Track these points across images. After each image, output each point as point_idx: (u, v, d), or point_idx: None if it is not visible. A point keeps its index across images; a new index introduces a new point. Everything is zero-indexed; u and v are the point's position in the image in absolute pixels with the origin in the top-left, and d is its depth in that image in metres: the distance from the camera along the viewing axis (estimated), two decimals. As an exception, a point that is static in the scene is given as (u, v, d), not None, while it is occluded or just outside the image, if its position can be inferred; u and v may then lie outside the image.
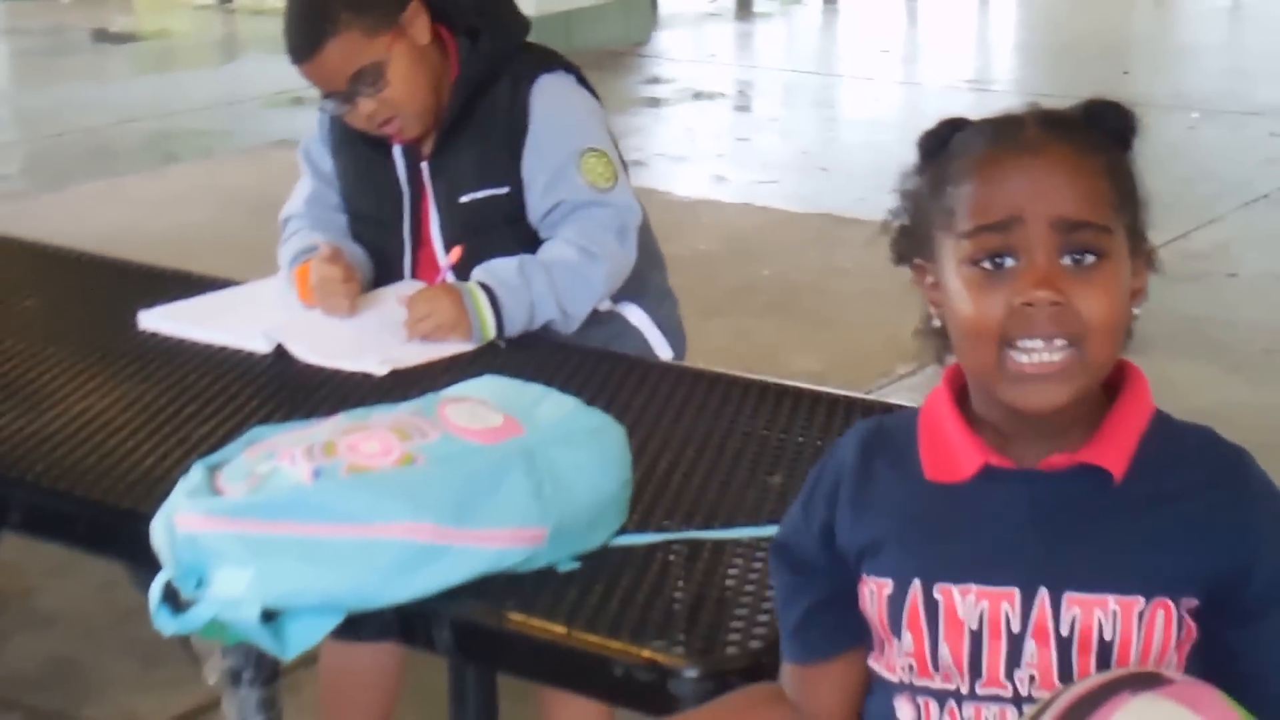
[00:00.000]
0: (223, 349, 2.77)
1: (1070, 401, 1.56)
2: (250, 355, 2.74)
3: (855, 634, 1.70)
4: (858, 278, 5.55)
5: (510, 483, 2.06)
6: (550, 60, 2.89)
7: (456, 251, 2.77)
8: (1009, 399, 1.57)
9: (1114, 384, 1.63)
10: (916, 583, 1.62)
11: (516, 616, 1.99)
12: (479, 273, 2.74)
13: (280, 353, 2.73)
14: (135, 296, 2.96)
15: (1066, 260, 1.54)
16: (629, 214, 2.84)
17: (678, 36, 10.86)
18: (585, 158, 2.80)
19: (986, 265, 1.56)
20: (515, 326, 2.73)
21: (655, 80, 9.48)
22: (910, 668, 1.63)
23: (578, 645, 1.94)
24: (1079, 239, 1.54)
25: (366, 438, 2.09)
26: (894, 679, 1.65)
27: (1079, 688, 1.49)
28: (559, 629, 1.96)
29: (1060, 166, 1.56)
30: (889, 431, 1.71)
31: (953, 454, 1.63)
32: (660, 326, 2.94)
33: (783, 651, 1.78)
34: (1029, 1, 12.42)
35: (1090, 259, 1.54)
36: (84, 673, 3.65)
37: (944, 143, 1.64)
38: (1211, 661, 1.60)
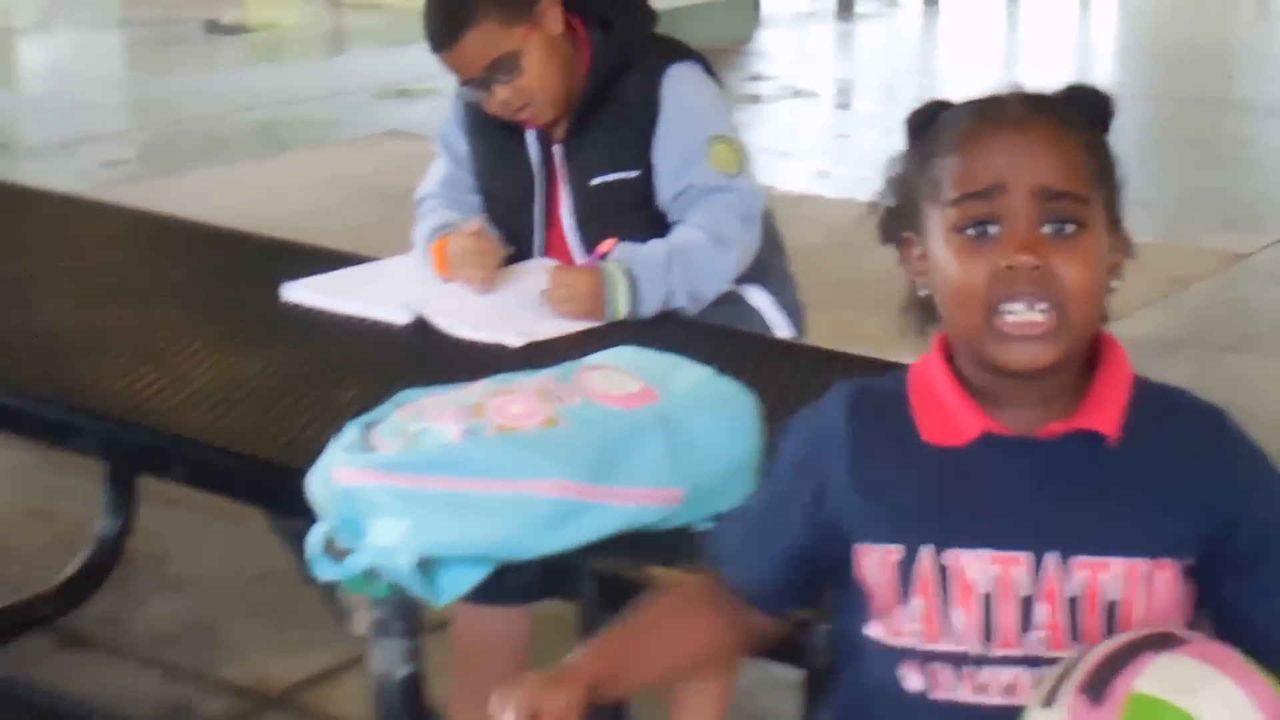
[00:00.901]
0: (363, 320, 2.89)
1: (1054, 361, 1.63)
2: (390, 326, 2.87)
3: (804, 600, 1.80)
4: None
5: (647, 445, 2.16)
6: (680, 50, 3.00)
7: (609, 243, 2.86)
8: (995, 358, 1.63)
9: (1092, 357, 1.70)
10: (928, 548, 1.67)
11: (656, 570, 2.09)
12: (625, 255, 2.84)
13: (418, 323, 2.85)
14: (278, 270, 3.09)
15: (1047, 229, 1.62)
16: (754, 199, 2.94)
17: (779, 35, 10.94)
18: (714, 144, 2.90)
19: (971, 232, 1.63)
20: (649, 312, 2.84)
21: (757, 78, 9.57)
22: (920, 633, 1.68)
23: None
24: (1059, 208, 1.62)
25: (512, 400, 2.20)
26: (899, 644, 1.69)
27: (1100, 650, 1.55)
28: (696, 583, 2.06)
29: (1042, 139, 1.63)
30: (875, 395, 1.77)
31: (951, 418, 1.69)
32: (782, 308, 3.04)
33: (732, 569, 1.83)
34: (1130, 6, 12.42)
35: (1070, 228, 1.62)
36: (218, 634, 3.77)
37: (931, 120, 1.71)
38: (1211, 618, 1.67)
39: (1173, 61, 9.72)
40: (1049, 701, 1.54)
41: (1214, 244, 6.21)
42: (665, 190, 2.92)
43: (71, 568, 3.77)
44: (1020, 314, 1.61)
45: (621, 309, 2.82)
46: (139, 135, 8.43)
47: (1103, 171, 1.68)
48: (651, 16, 3.02)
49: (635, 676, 1.79)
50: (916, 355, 2.76)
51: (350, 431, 2.22)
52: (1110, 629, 1.63)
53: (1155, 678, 1.51)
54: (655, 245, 2.86)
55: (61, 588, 3.75)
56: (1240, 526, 1.66)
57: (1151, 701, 1.50)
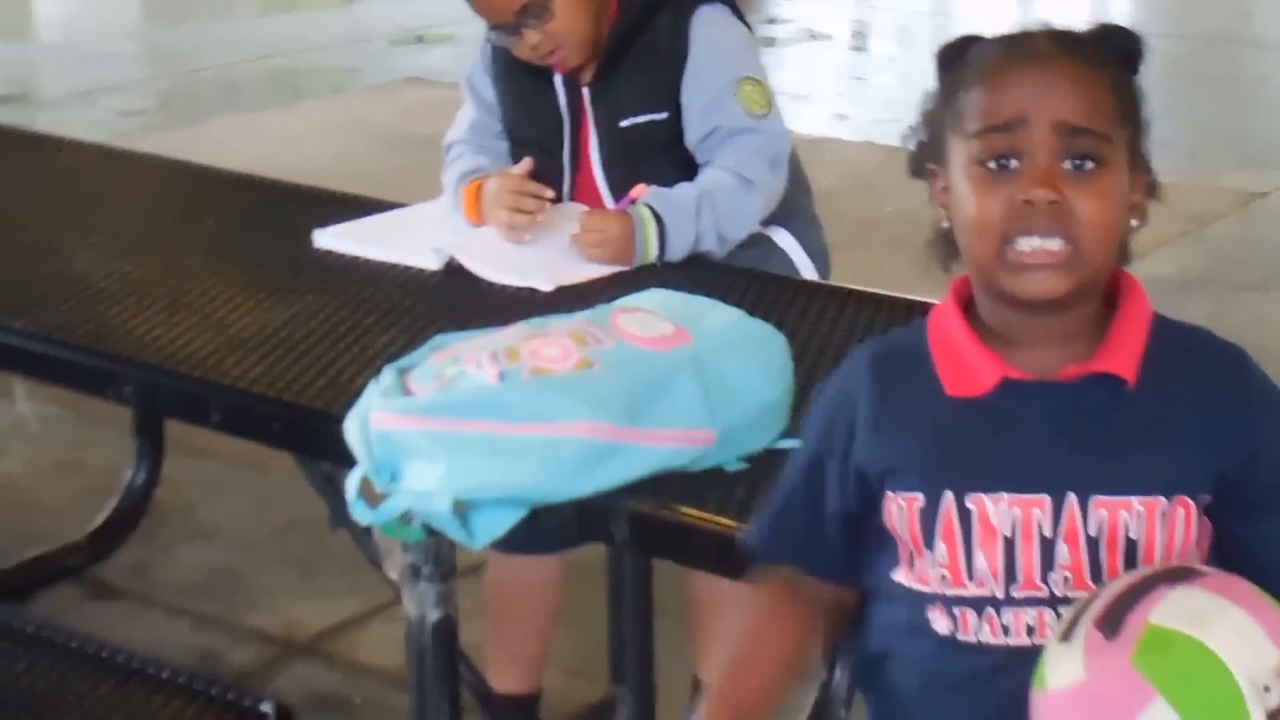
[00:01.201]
0: (394, 265, 2.92)
1: (1067, 293, 1.64)
2: (421, 271, 2.89)
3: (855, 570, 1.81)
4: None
5: (681, 387, 2.18)
6: None
7: (640, 188, 2.88)
8: (1009, 288, 1.65)
9: (1112, 296, 1.71)
10: (949, 494, 1.68)
11: (689, 511, 2.12)
12: (653, 198, 2.86)
13: (449, 269, 2.88)
14: (308, 217, 3.11)
15: (1067, 165, 1.62)
16: (782, 141, 2.96)
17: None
18: (742, 85, 2.92)
19: (992, 165, 1.64)
20: (677, 255, 2.86)
21: (772, 20, 9.54)
22: (944, 578, 1.69)
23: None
24: (1079, 144, 1.63)
25: (546, 343, 2.22)
26: (926, 590, 1.71)
27: (1116, 585, 1.57)
28: (730, 523, 2.08)
29: (1066, 75, 1.64)
30: (897, 350, 1.78)
31: (970, 368, 1.70)
32: (807, 250, 3.05)
33: (785, 551, 1.84)
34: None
35: (1090, 165, 1.63)
36: (244, 583, 3.82)
37: (960, 54, 1.72)
38: (1225, 556, 1.68)
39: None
40: (1066, 636, 1.56)
41: (1232, 183, 6.21)
42: (693, 131, 2.93)
43: (100, 518, 3.80)
44: (1035, 245, 1.63)
45: (651, 252, 2.84)
46: (156, 84, 8.44)
47: (1127, 111, 1.69)
48: None
49: (761, 707, 1.82)
50: (940, 295, 2.78)
51: (386, 376, 2.24)
52: (1131, 568, 1.65)
53: (1169, 610, 1.53)
54: (684, 188, 2.88)
55: (90, 538, 3.78)
56: (1258, 465, 1.68)
57: (1166, 633, 1.52)
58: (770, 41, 8.93)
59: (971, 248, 1.68)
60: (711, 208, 2.85)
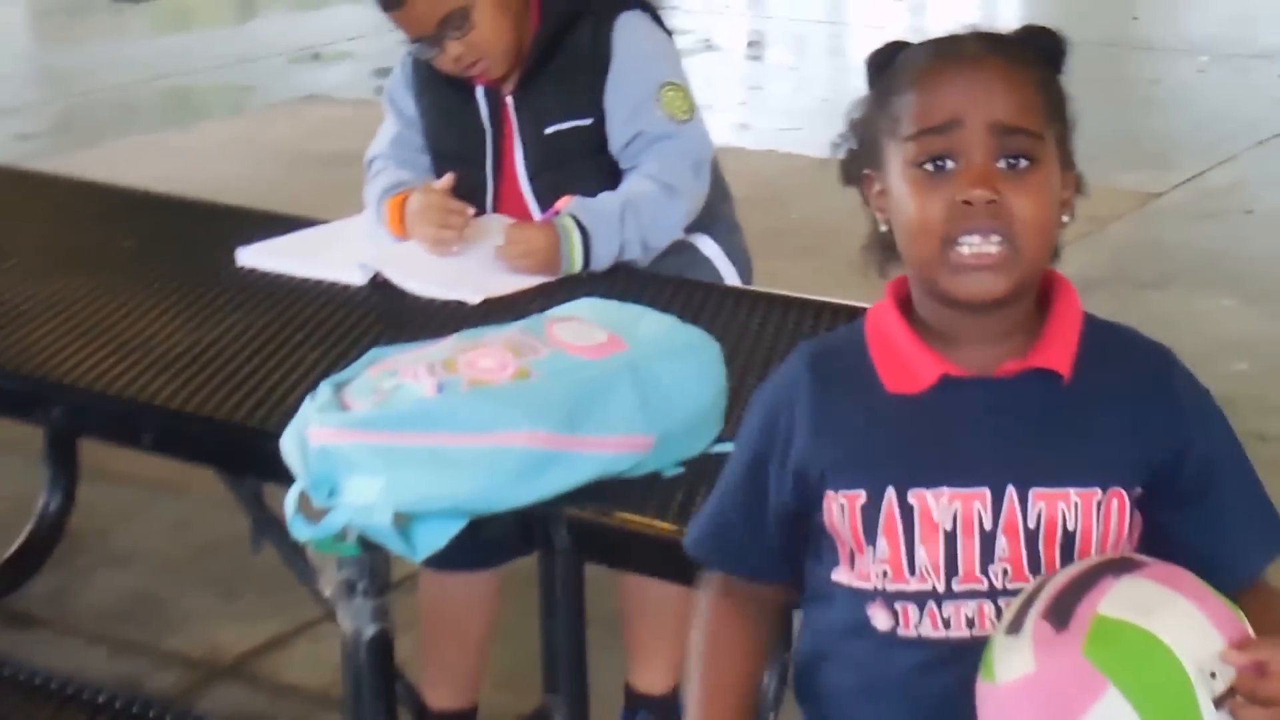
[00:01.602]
0: (319, 282, 2.91)
1: (1006, 292, 1.67)
2: (347, 287, 2.89)
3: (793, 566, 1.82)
4: (884, 220, 5.66)
5: (618, 394, 2.20)
6: (629, 1, 3.02)
7: (564, 201, 2.89)
8: (950, 289, 1.67)
9: (1044, 295, 1.74)
10: (891, 490, 1.70)
11: (629, 516, 2.14)
12: (577, 209, 2.87)
13: (375, 284, 2.88)
14: (227, 235, 3.10)
15: (1002, 164, 1.65)
16: (704, 146, 2.98)
17: (690, -13, 10.95)
18: (664, 91, 2.94)
19: (929, 167, 1.66)
20: (603, 265, 2.87)
21: (670, 31, 9.54)
22: (885, 574, 1.71)
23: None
24: (1013, 143, 1.65)
25: (483, 354, 2.23)
26: (867, 586, 1.73)
27: (1061, 577, 1.60)
28: (669, 527, 2.10)
29: (997, 76, 1.67)
30: (835, 350, 1.80)
31: (909, 366, 1.72)
32: (730, 256, 3.08)
33: (725, 557, 1.85)
34: (1034, -51, 12.50)
35: (1024, 163, 1.66)
36: (164, 607, 3.77)
37: (890, 60, 1.75)
38: (1152, 547, 1.71)
39: (1079, 3, 9.81)
40: (1014, 629, 1.58)
41: (1128, 184, 6.29)
42: (617, 137, 2.95)
43: (13, 546, 3.75)
44: (975, 246, 1.65)
45: (577, 263, 2.85)
46: (51, 107, 8.35)
47: (1055, 109, 1.72)
48: None
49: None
50: (856, 298, 2.81)
51: (323, 391, 2.24)
52: (1069, 559, 1.67)
53: (1117, 600, 1.55)
54: (607, 197, 2.89)
55: (4, 566, 3.74)
56: (1186, 458, 1.72)
57: (1115, 623, 1.54)
58: (668, 52, 8.96)
59: (912, 249, 1.70)
60: (636, 216, 2.87)
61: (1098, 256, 5.44)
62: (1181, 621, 1.55)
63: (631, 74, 2.94)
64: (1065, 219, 1.74)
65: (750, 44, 9.63)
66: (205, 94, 8.47)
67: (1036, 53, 1.74)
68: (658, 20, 3.05)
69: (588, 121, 2.95)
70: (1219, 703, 1.53)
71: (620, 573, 2.89)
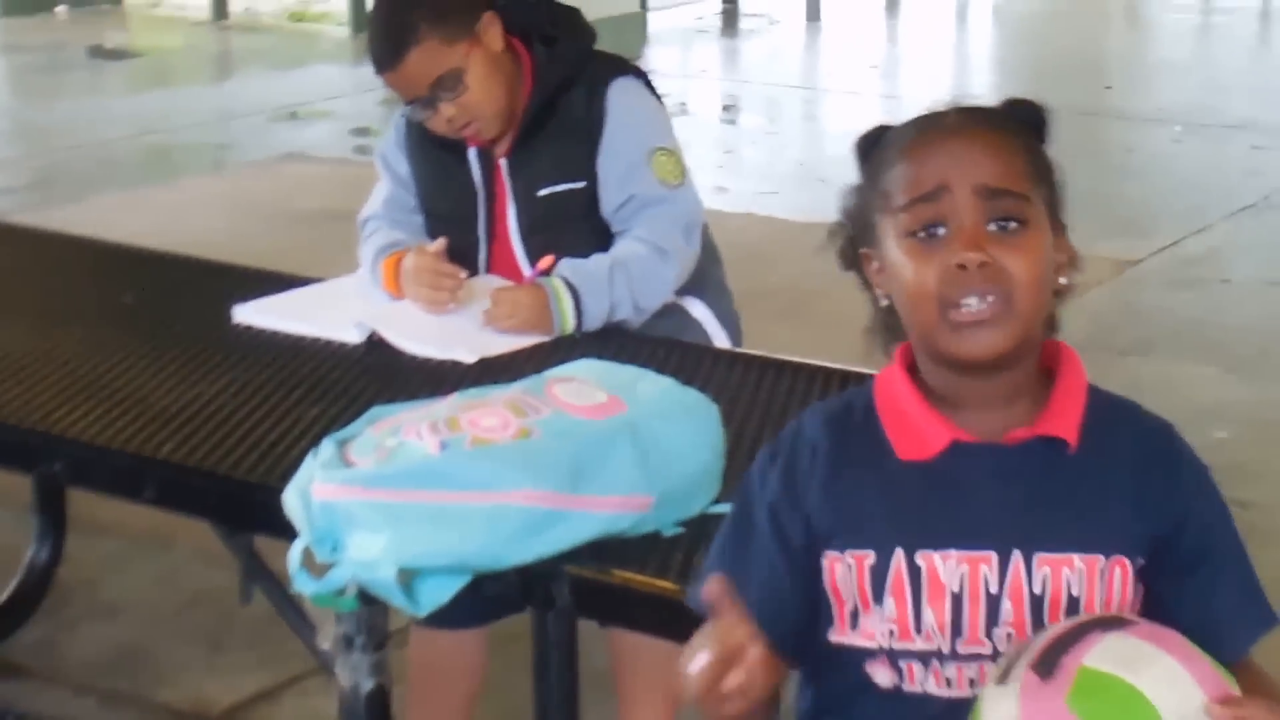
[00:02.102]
0: (315, 340, 2.94)
1: (1005, 349, 1.71)
2: (343, 345, 2.92)
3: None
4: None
5: (618, 454, 2.22)
6: (622, 65, 3.09)
7: (547, 260, 2.93)
8: (952, 350, 1.72)
9: (1050, 365, 1.79)
10: (899, 552, 1.74)
11: (630, 575, 2.16)
12: (567, 270, 2.91)
13: (371, 342, 2.91)
14: (223, 292, 3.13)
15: (993, 227, 1.70)
16: (695, 210, 3.03)
17: (667, 52, 11.02)
18: (656, 156, 2.99)
19: (922, 235, 1.72)
20: (593, 324, 2.91)
21: (661, 98, 9.63)
22: (891, 633, 1.75)
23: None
24: (1001, 206, 1.70)
25: (485, 414, 2.26)
26: (871, 645, 1.76)
27: (1051, 632, 1.63)
28: (669, 585, 2.13)
29: (980, 141, 1.73)
30: (848, 413, 1.84)
31: (919, 432, 1.77)
32: (720, 319, 3.12)
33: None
34: (1005, 19, 12.60)
35: (1013, 225, 1.71)
36: (152, 659, 3.76)
37: (876, 142, 1.81)
38: (1150, 618, 1.73)
39: (1052, 73, 9.89)
40: (1003, 679, 1.62)
41: (1105, 251, 6.33)
42: (609, 201, 2.99)
43: (1, 597, 3.75)
44: (973, 306, 1.70)
45: (570, 322, 2.89)
46: (30, 162, 8.36)
47: (1040, 173, 1.77)
48: (592, 33, 3.10)
49: None
50: (834, 359, 2.84)
51: (326, 448, 2.26)
52: None
53: (1103, 654, 1.59)
54: (598, 259, 2.93)
55: (-8, 617, 3.74)
56: (1185, 529, 1.76)
57: (1099, 675, 1.58)
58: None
59: (913, 315, 1.75)
60: (626, 277, 2.91)
61: (1076, 323, 5.34)
62: (1164, 676, 1.59)
63: (624, 139, 2.99)
64: (1063, 281, 1.78)
65: (725, 108, 9.69)
66: (185, 151, 8.49)
67: (1019, 122, 1.79)
68: (649, 85, 3.10)
69: (580, 185, 2.99)
70: None
71: (610, 630, 2.91)
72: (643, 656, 2.91)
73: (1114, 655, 1.59)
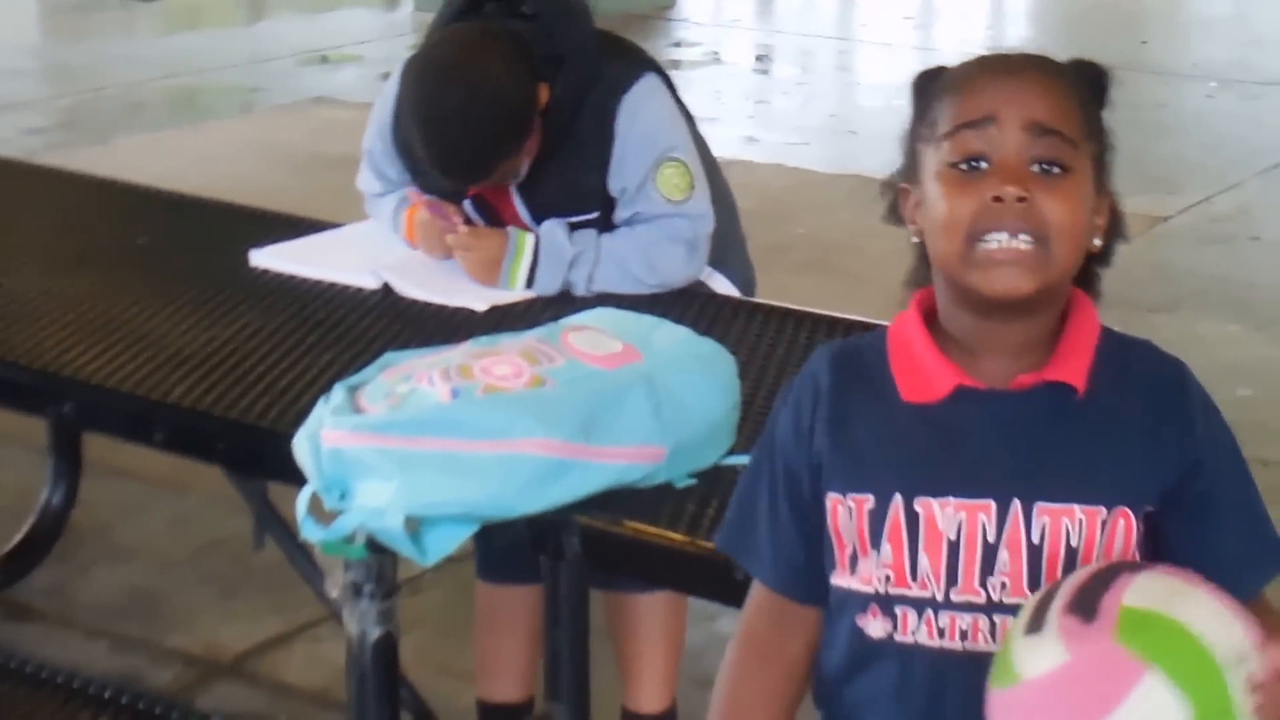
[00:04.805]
0: (331, 285, 2.92)
1: (1032, 291, 1.66)
2: (359, 290, 2.90)
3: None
4: (890, 238, 5.65)
5: (632, 404, 2.20)
6: (634, 67, 2.96)
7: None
8: (976, 284, 1.66)
9: (1064, 310, 1.74)
10: (898, 497, 1.70)
11: (641, 526, 2.14)
12: (544, 233, 2.88)
13: (387, 288, 2.89)
14: (241, 236, 3.11)
15: (1036, 169, 1.65)
16: (701, 224, 2.93)
17: (700, 1, 10.97)
18: (662, 169, 2.89)
19: (963, 167, 1.67)
20: (546, 291, 2.87)
21: (679, 44, 9.60)
22: (887, 578, 1.72)
23: (700, 552, 2.09)
24: (1048, 145, 1.65)
25: (498, 361, 2.24)
26: (867, 590, 1.73)
27: (1075, 578, 1.59)
28: (680, 538, 2.11)
29: (1036, 81, 1.68)
30: (859, 353, 1.80)
31: (926, 376, 1.73)
32: (738, 286, 3.08)
33: (766, 578, 1.81)
34: (1043, -30, 12.53)
35: (1057, 170, 1.66)
36: (165, 603, 3.77)
37: (934, 79, 1.75)
38: (1164, 559, 1.70)
39: (1087, 26, 9.83)
40: (1035, 628, 1.58)
41: (1135, 207, 6.23)
42: (617, 215, 2.93)
43: (15, 539, 3.75)
44: (1004, 242, 1.65)
45: (517, 284, 2.86)
46: (58, 102, 8.36)
47: (1092, 129, 1.72)
48: (586, 14, 2.99)
49: None
50: (856, 312, 2.81)
51: (337, 394, 2.24)
52: (1069, 575, 1.67)
53: (1141, 592, 1.56)
54: (583, 235, 2.89)
55: (5, 559, 3.74)
56: (1197, 474, 1.72)
57: (1142, 613, 1.55)
58: (677, 64, 8.98)
59: (940, 246, 1.70)
60: (590, 267, 2.86)
61: (1106, 279, 5.36)
62: (1206, 610, 1.56)
63: (631, 157, 2.89)
64: (1097, 242, 1.74)
65: (758, 58, 9.64)
66: (213, 94, 8.48)
67: (1079, 77, 1.75)
68: (667, 81, 3.00)
69: (593, 216, 2.92)
70: (1249, 687, 1.54)
71: (606, 593, 2.91)
72: (641, 618, 2.89)
73: (1152, 593, 1.57)
